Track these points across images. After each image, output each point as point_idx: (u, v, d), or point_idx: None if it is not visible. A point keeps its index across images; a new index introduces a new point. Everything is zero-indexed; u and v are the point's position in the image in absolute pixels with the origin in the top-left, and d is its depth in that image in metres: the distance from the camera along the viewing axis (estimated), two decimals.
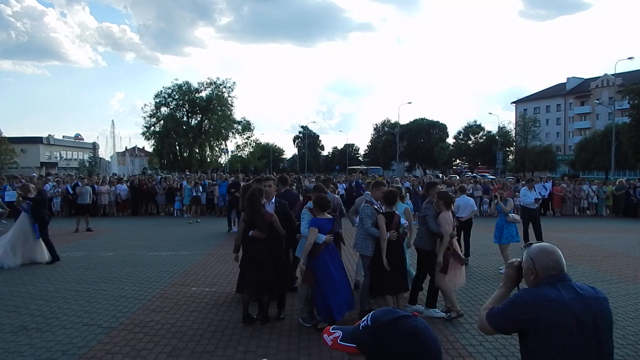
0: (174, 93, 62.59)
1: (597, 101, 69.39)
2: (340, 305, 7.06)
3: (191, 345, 6.45)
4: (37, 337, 6.74)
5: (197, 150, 63.54)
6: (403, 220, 7.89)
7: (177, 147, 62.42)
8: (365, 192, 10.35)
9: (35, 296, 8.98)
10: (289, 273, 8.20)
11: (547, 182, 25.97)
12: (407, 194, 15.19)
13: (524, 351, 2.77)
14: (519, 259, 2.95)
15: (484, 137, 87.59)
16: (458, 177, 41.32)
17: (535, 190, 15.39)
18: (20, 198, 12.67)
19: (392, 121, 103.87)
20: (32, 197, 12.16)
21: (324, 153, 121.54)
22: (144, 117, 62.40)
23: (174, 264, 11.87)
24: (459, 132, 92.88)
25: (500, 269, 10.93)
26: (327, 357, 6.07)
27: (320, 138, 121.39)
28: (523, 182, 29.44)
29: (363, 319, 1.63)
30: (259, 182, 9.10)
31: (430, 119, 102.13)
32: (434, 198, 8.09)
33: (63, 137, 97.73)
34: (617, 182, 27.97)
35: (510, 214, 11.24)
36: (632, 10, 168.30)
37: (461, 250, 8.49)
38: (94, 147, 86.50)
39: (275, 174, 31.32)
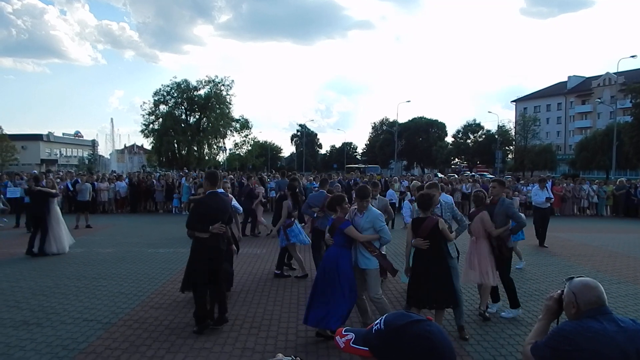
0: (173, 91, 62.57)
1: (599, 100, 69.32)
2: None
3: (189, 342, 6.48)
4: (38, 332, 6.78)
5: (195, 148, 63.54)
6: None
7: (176, 145, 62.39)
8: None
9: (36, 292, 9.01)
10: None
11: (547, 181, 25.95)
12: (408, 193, 15.24)
13: None
14: (559, 291, 2.93)
15: (483, 136, 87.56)
16: (457, 176, 41.27)
17: (547, 190, 15.45)
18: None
19: (391, 120, 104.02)
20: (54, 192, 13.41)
21: (322, 151, 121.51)
22: (143, 115, 62.43)
23: (172, 261, 11.89)
24: (458, 131, 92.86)
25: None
26: (324, 355, 6.09)
27: (318, 136, 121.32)
28: (522, 182, 29.64)
29: (376, 322, 1.61)
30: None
31: (429, 118, 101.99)
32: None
33: (63, 134, 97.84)
34: (617, 182, 27.93)
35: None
36: (634, 8, 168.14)
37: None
38: (94, 144, 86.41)
39: (273, 171, 31.36)
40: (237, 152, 73.65)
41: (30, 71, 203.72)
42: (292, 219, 10.67)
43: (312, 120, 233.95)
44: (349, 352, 1.61)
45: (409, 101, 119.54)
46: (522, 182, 29.78)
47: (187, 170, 35.51)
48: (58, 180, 25.35)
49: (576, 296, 2.82)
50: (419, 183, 10.81)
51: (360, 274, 6.71)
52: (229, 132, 66.56)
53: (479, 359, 6.11)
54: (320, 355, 6.09)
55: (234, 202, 8.25)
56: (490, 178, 35.10)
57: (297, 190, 11.59)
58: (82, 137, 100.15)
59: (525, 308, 8.19)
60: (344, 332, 1.65)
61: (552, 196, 15.79)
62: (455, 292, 6.71)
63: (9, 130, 76.73)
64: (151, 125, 62.28)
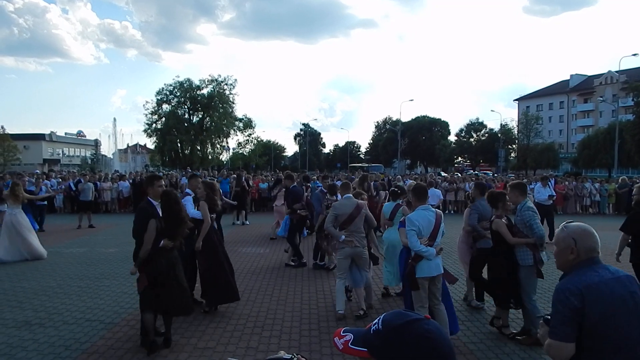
0: (176, 90, 62.77)
1: (601, 98, 69.29)
2: None
3: (193, 341, 6.47)
4: (40, 333, 6.78)
5: (198, 148, 63.69)
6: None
7: (179, 145, 62.57)
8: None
9: (38, 292, 9.02)
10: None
11: (549, 179, 25.93)
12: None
13: (585, 342, 2.73)
14: (541, 321, 2.92)
15: (486, 135, 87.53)
16: (460, 175, 41.25)
17: (549, 187, 15.98)
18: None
19: (394, 118, 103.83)
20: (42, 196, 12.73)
21: (325, 151, 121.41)
22: (146, 114, 62.71)
23: None
24: (461, 130, 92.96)
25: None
26: (327, 354, 6.08)
27: (321, 135, 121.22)
28: (525, 181, 29.57)
29: (374, 322, 1.58)
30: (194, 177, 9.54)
31: (432, 117, 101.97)
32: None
33: (65, 134, 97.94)
34: (619, 180, 27.85)
35: None
36: (637, 7, 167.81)
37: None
38: (96, 144, 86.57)
39: (277, 170, 31.36)
40: (240, 152, 73.76)
41: (32, 70, 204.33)
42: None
43: (316, 119, 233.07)
44: (347, 354, 1.59)
45: (412, 100, 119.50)
46: (524, 180, 29.70)
47: (190, 170, 35.42)
48: (59, 179, 25.49)
49: (577, 242, 2.86)
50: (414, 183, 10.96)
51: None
52: (232, 132, 66.80)
53: (482, 357, 6.09)
54: (323, 354, 6.08)
55: (192, 210, 7.97)
56: (493, 177, 35.02)
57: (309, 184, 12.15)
58: (85, 136, 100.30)
59: None
60: (343, 332, 1.63)
61: (554, 194, 16.28)
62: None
63: (11, 130, 77.06)
64: (154, 125, 62.47)
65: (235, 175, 23.31)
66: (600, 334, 2.67)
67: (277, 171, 29.13)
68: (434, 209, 6.39)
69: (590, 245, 2.85)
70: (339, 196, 8.80)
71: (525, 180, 29.88)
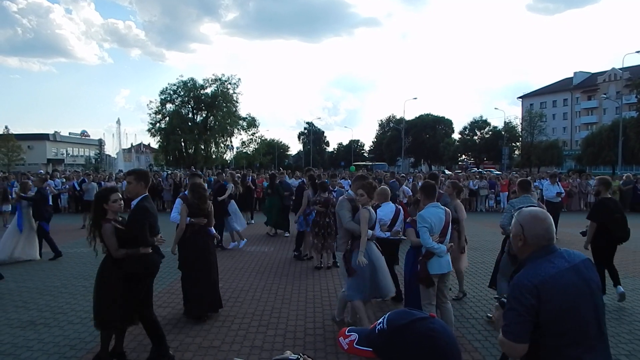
0: (179, 90, 62.76)
1: (605, 95, 69.13)
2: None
3: (198, 340, 6.47)
4: (45, 332, 6.79)
5: (202, 147, 63.69)
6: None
7: (183, 144, 62.55)
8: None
9: (43, 292, 9.03)
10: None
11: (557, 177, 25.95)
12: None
13: (539, 337, 2.66)
14: (501, 300, 2.82)
15: (490, 133, 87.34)
16: (463, 173, 41.22)
17: (558, 185, 16.30)
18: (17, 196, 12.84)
19: (398, 117, 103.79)
20: (32, 196, 12.35)
21: (329, 149, 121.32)
22: (150, 114, 62.78)
23: None
24: (465, 128, 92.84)
25: None
26: (332, 353, 6.08)
27: (325, 134, 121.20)
28: (529, 178, 29.48)
29: (379, 321, 1.57)
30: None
31: (436, 115, 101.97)
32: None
33: (69, 133, 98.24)
34: (624, 177, 27.79)
35: None
36: None
37: None
38: (100, 143, 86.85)
39: (280, 169, 31.30)
40: (244, 151, 73.76)
41: (36, 70, 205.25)
42: (312, 208, 11.42)
43: (319, 118, 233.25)
44: (352, 354, 1.58)
45: (415, 98, 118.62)
46: (529, 178, 29.65)
47: (194, 169, 35.38)
48: (63, 179, 25.52)
49: (524, 228, 2.78)
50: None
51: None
52: (235, 131, 66.78)
53: (487, 355, 6.08)
54: (328, 353, 6.08)
55: (174, 213, 7.83)
56: (497, 174, 34.89)
57: (316, 180, 12.44)
58: (89, 136, 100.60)
59: None
60: (347, 332, 1.62)
61: (562, 191, 16.67)
62: None
63: (15, 130, 77.72)
64: (158, 124, 62.50)
65: (239, 175, 23.28)
66: (558, 330, 2.60)
67: (280, 169, 29.08)
68: (443, 207, 6.43)
69: (538, 232, 2.73)
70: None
71: (529, 178, 29.90)
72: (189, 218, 7.48)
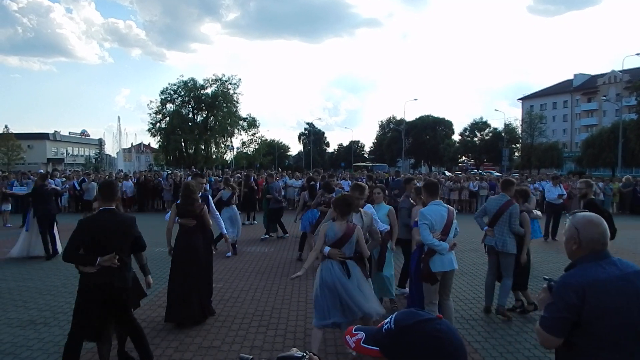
0: (180, 89, 62.70)
1: (604, 98, 69.24)
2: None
3: (198, 340, 6.48)
4: (45, 332, 6.80)
5: (202, 147, 63.63)
6: (384, 226, 7.65)
7: (183, 144, 62.48)
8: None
9: (43, 291, 9.04)
10: None
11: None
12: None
13: (576, 337, 2.71)
14: (545, 285, 2.85)
15: (490, 134, 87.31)
16: (463, 174, 41.25)
17: (560, 187, 16.53)
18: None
19: (398, 118, 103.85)
20: (25, 193, 12.61)
21: (330, 150, 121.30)
22: (150, 114, 62.66)
23: None
24: (465, 129, 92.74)
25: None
26: (332, 353, 6.09)
27: (325, 135, 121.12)
28: (529, 180, 29.56)
29: (386, 321, 1.59)
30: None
31: (436, 116, 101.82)
32: (411, 192, 8.69)
33: (69, 133, 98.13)
34: (623, 179, 27.87)
35: (533, 211, 11.32)
36: None
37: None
38: (100, 143, 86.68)
39: (280, 170, 31.34)
40: (244, 151, 73.71)
41: (36, 70, 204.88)
42: (318, 209, 11.56)
43: (320, 118, 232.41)
44: (359, 352, 1.59)
45: (416, 99, 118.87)
46: (529, 180, 29.67)
47: (194, 169, 35.37)
48: (63, 179, 25.50)
49: (579, 232, 2.79)
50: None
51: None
52: (236, 131, 66.67)
53: (487, 356, 6.09)
54: (328, 353, 6.09)
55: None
56: (497, 176, 34.87)
57: (313, 184, 12.69)
58: (89, 136, 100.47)
59: None
60: (354, 330, 1.63)
61: (564, 193, 16.76)
62: None
63: (15, 129, 77.49)
64: (158, 124, 62.43)
65: (239, 175, 23.32)
66: (595, 332, 2.63)
67: (280, 170, 29.01)
68: (446, 205, 6.48)
69: (593, 236, 2.76)
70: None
71: (529, 179, 29.93)
72: (177, 218, 7.46)
